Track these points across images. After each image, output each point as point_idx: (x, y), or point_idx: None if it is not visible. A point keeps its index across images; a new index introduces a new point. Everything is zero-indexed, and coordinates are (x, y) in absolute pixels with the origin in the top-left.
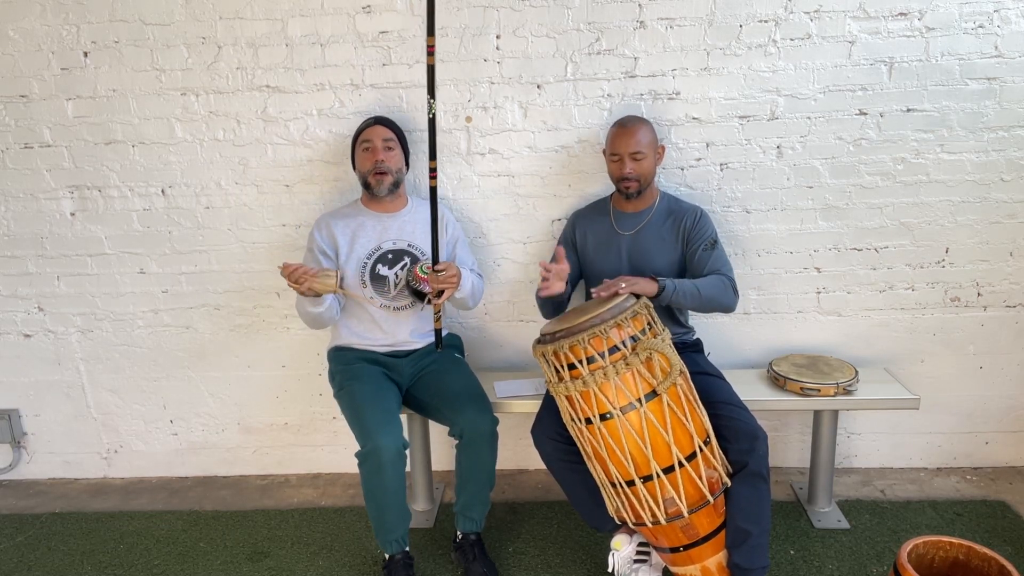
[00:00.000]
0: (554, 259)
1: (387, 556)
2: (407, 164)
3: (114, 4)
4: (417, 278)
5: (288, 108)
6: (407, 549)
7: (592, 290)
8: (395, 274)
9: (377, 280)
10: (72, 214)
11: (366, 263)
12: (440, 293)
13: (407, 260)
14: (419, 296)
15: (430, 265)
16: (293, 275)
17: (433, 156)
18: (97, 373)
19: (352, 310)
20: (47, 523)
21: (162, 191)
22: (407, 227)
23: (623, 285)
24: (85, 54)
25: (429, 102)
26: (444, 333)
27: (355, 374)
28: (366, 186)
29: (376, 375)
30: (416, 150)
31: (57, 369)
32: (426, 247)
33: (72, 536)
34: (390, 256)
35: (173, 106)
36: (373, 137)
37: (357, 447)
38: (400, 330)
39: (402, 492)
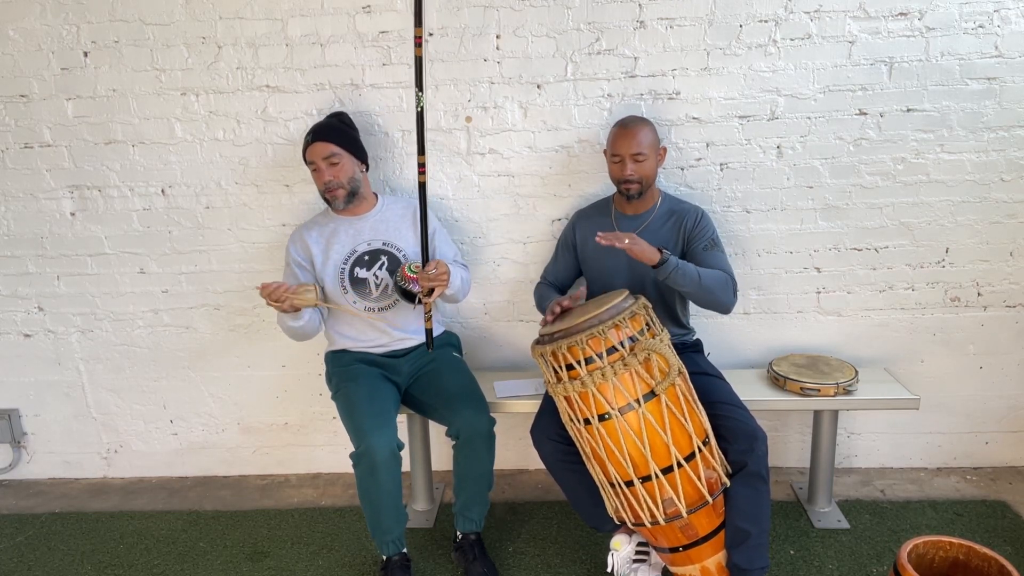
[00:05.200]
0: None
1: (384, 558)
2: (365, 164)
3: (114, 4)
4: (406, 278)
5: (288, 108)
6: (404, 550)
7: (599, 234)
8: (374, 275)
9: (357, 283)
10: (72, 214)
11: (343, 268)
12: (430, 292)
13: (384, 259)
14: (409, 296)
15: (418, 264)
16: (273, 294)
17: (422, 151)
18: (97, 373)
19: (341, 316)
20: (47, 523)
21: (162, 191)
22: (380, 226)
23: (627, 240)
24: (85, 54)
25: (417, 95)
26: (442, 332)
27: (351, 375)
28: (325, 201)
29: (372, 376)
30: (411, 151)
31: (57, 369)
32: (401, 244)
33: (72, 536)
34: (366, 258)
35: (173, 106)
36: (315, 158)
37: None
38: (391, 329)
39: (398, 493)
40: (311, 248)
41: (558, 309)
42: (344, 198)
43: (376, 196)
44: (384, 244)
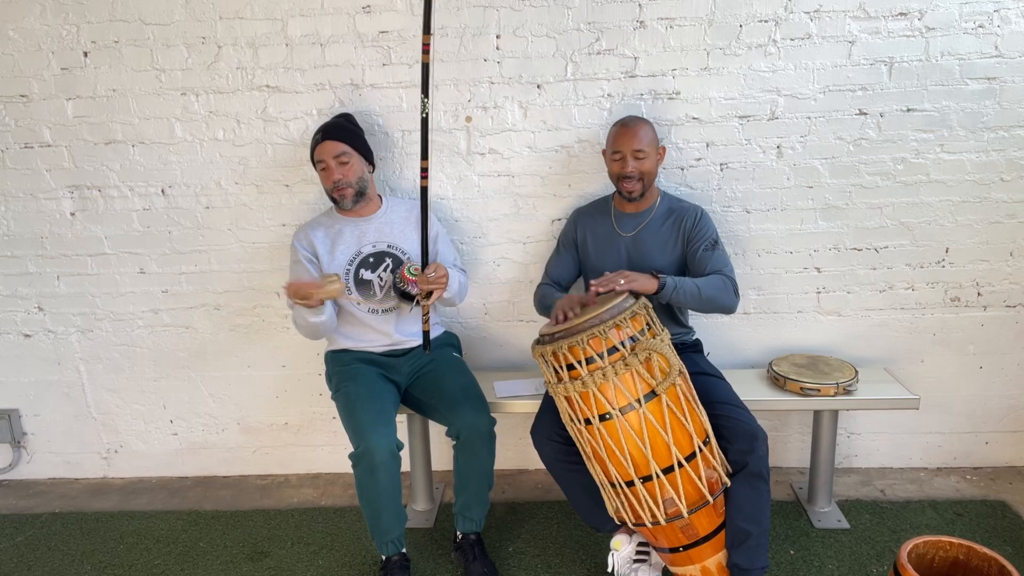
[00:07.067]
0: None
1: (383, 558)
2: (372, 163)
3: (114, 4)
4: (405, 280)
5: (288, 108)
6: (404, 550)
7: (591, 282)
8: (378, 277)
9: (362, 285)
10: (72, 214)
11: (348, 269)
12: (429, 294)
13: (389, 261)
14: (407, 298)
15: (417, 266)
16: (300, 292)
17: (425, 156)
18: (97, 373)
19: (343, 316)
20: (47, 523)
21: (162, 191)
22: (384, 228)
23: (622, 281)
24: (85, 54)
25: (423, 101)
26: (442, 332)
27: (351, 375)
28: (332, 200)
29: (372, 375)
30: (411, 151)
31: (57, 369)
32: (406, 246)
33: (72, 536)
34: (371, 259)
35: (173, 106)
36: (325, 156)
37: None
38: (393, 330)
39: (397, 493)
40: (317, 247)
41: (574, 312)
42: (352, 197)
43: (380, 198)
44: (389, 246)
